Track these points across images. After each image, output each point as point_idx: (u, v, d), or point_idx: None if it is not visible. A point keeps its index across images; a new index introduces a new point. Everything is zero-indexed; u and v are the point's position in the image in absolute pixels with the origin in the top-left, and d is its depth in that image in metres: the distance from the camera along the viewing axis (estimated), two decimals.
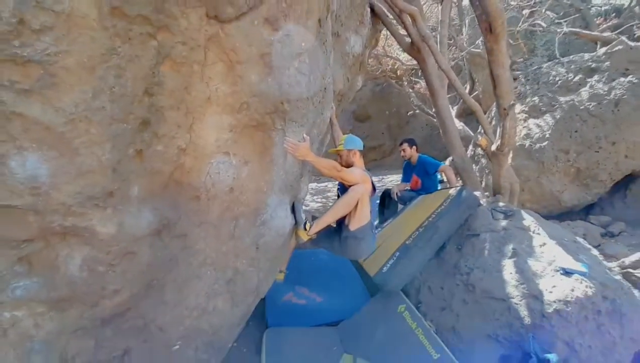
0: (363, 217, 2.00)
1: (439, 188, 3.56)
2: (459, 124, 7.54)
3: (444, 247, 2.46)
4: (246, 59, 1.43)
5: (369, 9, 3.37)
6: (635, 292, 1.86)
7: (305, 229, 1.88)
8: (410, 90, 7.88)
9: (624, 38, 4.42)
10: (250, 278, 1.85)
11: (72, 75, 1.09)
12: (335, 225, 2.25)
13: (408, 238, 2.54)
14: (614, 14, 5.77)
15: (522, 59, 5.95)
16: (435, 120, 7.95)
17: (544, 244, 2.02)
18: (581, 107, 4.37)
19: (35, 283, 1.39)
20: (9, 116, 1.05)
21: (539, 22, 5.39)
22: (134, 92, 1.25)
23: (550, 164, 4.49)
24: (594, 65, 4.50)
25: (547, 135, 4.50)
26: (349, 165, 2.29)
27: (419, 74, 7.28)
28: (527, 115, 4.81)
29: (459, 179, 3.47)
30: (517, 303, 1.80)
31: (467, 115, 7.51)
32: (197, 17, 1.26)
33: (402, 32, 3.87)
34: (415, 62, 7.05)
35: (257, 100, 1.55)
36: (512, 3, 5.29)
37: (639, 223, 4.17)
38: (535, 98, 4.79)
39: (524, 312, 1.76)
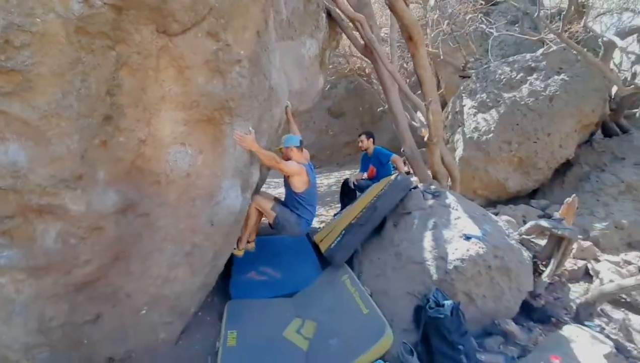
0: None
1: None
2: (425, 119, 8.00)
3: (384, 225, 2.83)
4: (193, 65, 1.73)
5: (324, 15, 3.69)
6: (525, 253, 2.28)
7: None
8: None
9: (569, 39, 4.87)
10: (206, 252, 2.17)
11: (45, 80, 1.38)
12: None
13: (353, 219, 2.90)
14: (557, 17, 6.29)
15: (473, 59, 6.41)
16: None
17: (459, 217, 2.41)
18: (522, 103, 4.84)
19: (16, 253, 1.66)
20: None
21: (489, 27, 5.84)
22: (97, 93, 1.54)
23: (495, 154, 4.95)
24: (533, 64, 4.98)
25: (492, 128, 4.97)
26: (288, 160, 2.65)
27: None
28: (476, 110, 5.27)
29: (408, 167, 3.85)
30: (429, 265, 2.18)
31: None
32: (149, 32, 1.56)
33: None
34: None
35: (205, 98, 1.86)
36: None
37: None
38: (484, 94, 5.25)
39: (433, 271, 2.14)
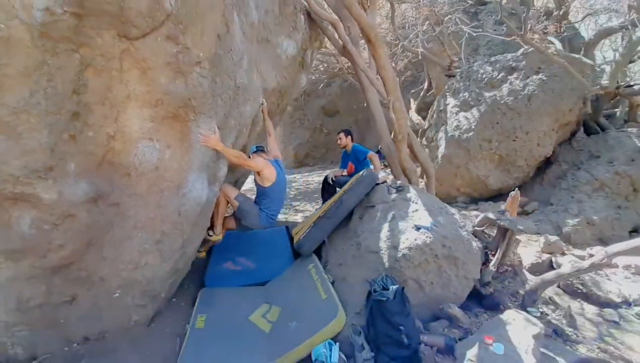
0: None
1: None
2: (416, 118, 8.13)
3: (352, 217, 2.98)
4: (155, 66, 1.88)
5: (302, 16, 3.83)
6: (474, 243, 2.41)
7: None
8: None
9: (553, 38, 4.97)
10: (175, 239, 2.32)
11: (13, 80, 1.53)
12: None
13: (322, 212, 3.05)
14: (544, 17, 6.38)
15: (457, 58, 6.50)
16: None
17: (416, 210, 2.55)
18: (502, 102, 4.96)
19: None
20: None
21: (469, 27, 5.92)
22: (63, 91, 1.70)
23: (476, 152, 5.08)
24: (514, 64, 5.09)
25: (473, 127, 5.09)
26: None
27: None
28: (458, 109, 5.39)
29: (383, 163, 3.99)
30: (383, 253, 2.33)
31: (423, 110, 8.07)
32: (110, 36, 1.71)
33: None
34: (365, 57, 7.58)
35: (169, 97, 2.01)
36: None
37: (548, 203, 4.80)
38: (466, 93, 5.37)
39: (385, 259, 2.28)
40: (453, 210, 2.71)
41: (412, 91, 9.81)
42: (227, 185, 2.93)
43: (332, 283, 2.58)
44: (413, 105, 9.02)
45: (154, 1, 1.69)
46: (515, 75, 5.03)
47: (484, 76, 5.28)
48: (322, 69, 9.65)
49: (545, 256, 3.42)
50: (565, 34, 5.20)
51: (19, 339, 2.09)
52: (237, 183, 4.36)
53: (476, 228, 2.52)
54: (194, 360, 2.06)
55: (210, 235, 3.02)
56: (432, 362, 1.94)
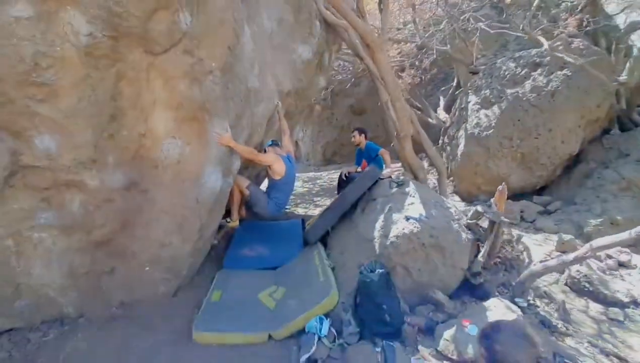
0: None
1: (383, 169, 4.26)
2: (444, 116, 8.07)
3: (356, 210, 3.19)
4: (175, 76, 2.25)
5: (318, 22, 4.08)
6: (464, 234, 2.51)
7: None
8: (404, 84, 8.38)
9: (564, 34, 4.83)
10: (194, 223, 2.69)
11: (65, 90, 1.95)
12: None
13: (330, 204, 3.30)
14: (578, 9, 6.09)
15: (480, 56, 6.37)
16: (419, 112, 8.51)
17: (412, 203, 2.70)
18: (524, 98, 4.86)
19: (52, 215, 2.29)
20: (32, 114, 1.93)
21: (486, 23, 5.78)
22: (103, 99, 2.11)
23: (495, 150, 5.02)
24: (538, 60, 4.96)
25: (493, 124, 5.03)
26: None
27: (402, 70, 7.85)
28: (479, 106, 5.35)
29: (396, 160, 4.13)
30: (376, 241, 2.52)
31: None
32: (139, 53, 2.09)
33: None
34: (396, 57, 7.66)
35: (187, 101, 2.37)
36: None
37: (572, 202, 4.65)
38: (487, 90, 5.30)
39: (377, 247, 2.47)
40: (450, 204, 2.83)
41: (442, 89, 9.68)
42: (240, 177, 3.27)
43: (333, 269, 2.83)
44: (442, 103, 8.93)
45: (172, 22, 2.04)
46: (539, 71, 4.90)
47: (506, 73, 5.19)
48: (350, 69, 9.85)
49: (556, 254, 3.39)
50: (597, 26, 4.96)
51: (71, 300, 2.56)
52: (259, 177, 4.72)
53: (469, 221, 2.62)
54: (205, 326, 2.40)
55: (228, 222, 3.39)
56: (414, 339, 2.12)
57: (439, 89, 9.63)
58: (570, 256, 2.26)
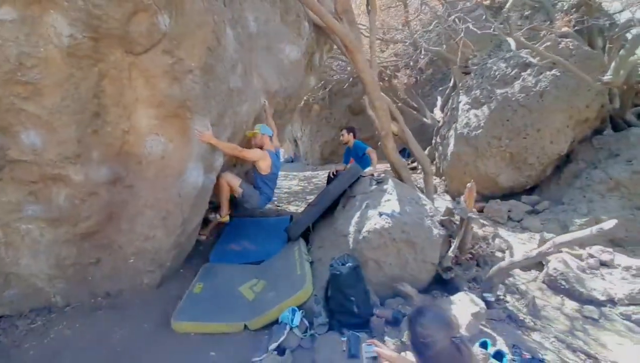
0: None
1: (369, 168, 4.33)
2: (440, 115, 8.10)
3: (337, 206, 3.27)
4: (156, 75, 2.34)
5: (307, 23, 4.16)
6: (435, 230, 2.56)
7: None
8: (399, 84, 8.44)
9: (553, 34, 4.85)
10: (177, 217, 2.79)
11: (49, 88, 2.06)
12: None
13: (312, 201, 3.38)
14: (573, 9, 6.09)
15: (472, 56, 6.39)
16: (414, 112, 8.54)
17: (388, 200, 2.77)
18: (513, 99, 4.89)
19: (39, 207, 2.40)
20: (18, 111, 2.04)
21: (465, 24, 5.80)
22: (86, 96, 2.21)
23: (484, 150, 5.05)
24: (528, 60, 4.98)
25: (482, 124, 5.07)
26: (261, 146, 3.22)
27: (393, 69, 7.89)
28: (469, 106, 5.38)
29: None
30: (350, 237, 2.59)
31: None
32: (120, 53, 2.19)
33: None
34: (391, 58, 7.70)
35: (168, 99, 2.47)
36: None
37: (560, 202, 4.67)
38: (478, 91, 5.34)
39: (351, 241, 2.55)
40: (426, 201, 2.89)
41: (440, 89, 9.70)
42: (230, 175, 3.36)
43: (311, 263, 2.91)
44: (439, 102, 8.96)
45: (151, 24, 2.13)
46: (529, 71, 4.92)
47: (497, 73, 5.22)
48: (348, 69, 9.90)
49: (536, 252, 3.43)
50: (590, 25, 4.97)
51: (58, 290, 2.67)
52: (249, 174, 4.82)
53: (442, 218, 2.68)
54: (184, 316, 2.50)
55: (219, 217, 3.50)
56: (381, 330, 2.20)
57: (437, 88, 9.67)
58: (534, 252, 2.31)
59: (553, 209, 4.64)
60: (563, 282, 2.99)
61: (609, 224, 1.91)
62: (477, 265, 2.75)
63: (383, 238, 2.44)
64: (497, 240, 3.77)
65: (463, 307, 2.13)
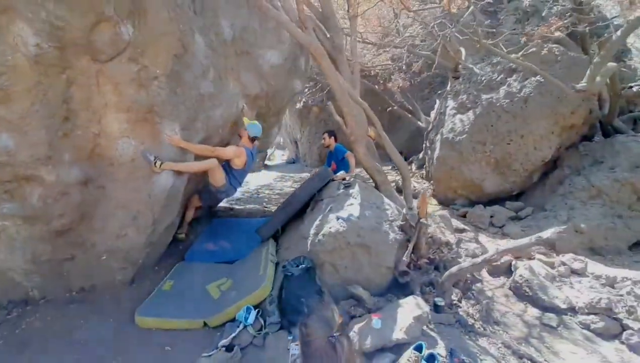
0: (218, 180, 3.04)
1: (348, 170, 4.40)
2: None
3: (307, 209, 3.35)
4: (122, 81, 2.47)
5: None
6: (392, 235, 2.61)
7: (155, 166, 2.80)
8: (394, 88, 8.47)
9: (537, 41, 4.82)
10: (148, 217, 2.91)
11: (18, 94, 2.20)
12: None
13: (281, 203, 3.46)
14: (568, 14, 6.03)
15: (461, 61, 6.37)
16: (409, 115, 8.55)
17: (351, 204, 2.84)
18: (497, 104, 4.88)
19: (14, 205, 2.54)
20: None
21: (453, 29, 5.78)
22: (55, 102, 2.34)
23: (468, 155, 5.05)
24: (514, 65, 4.96)
25: (467, 129, 5.07)
26: (240, 136, 3.49)
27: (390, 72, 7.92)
28: (455, 111, 5.39)
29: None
30: (309, 239, 2.67)
31: None
32: (86, 60, 2.32)
33: None
34: (387, 61, 7.74)
35: (136, 105, 2.59)
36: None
37: (542, 208, 4.64)
38: (464, 96, 5.34)
39: (310, 244, 2.62)
40: (390, 206, 2.94)
41: (439, 92, 9.68)
42: (218, 168, 3.40)
43: (277, 264, 2.99)
44: (437, 106, 8.94)
45: (114, 34, 2.26)
46: (514, 77, 4.91)
47: (483, 78, 5.22)
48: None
49: (506, 259, 3.45)
50: (582, 30, 4.93)
51: (35, 284, 2.82)
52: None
53: (401, 223, 2.73)
54: (147, 312, 2.62)
55: (179, 234, 3.69)
56: None
57: (437, 92, 9.64)
58: (479, 259, 2.34)
59: (535, 216, 4.62)
60: (527, 289, 3.00)
61: (547, 233, 1.94)
62: (437, 269, 2.78)
63: (338, 242, 2.51)
64: (473, 246, 3.79)
65: (407, 310, 2.18)
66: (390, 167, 8.53)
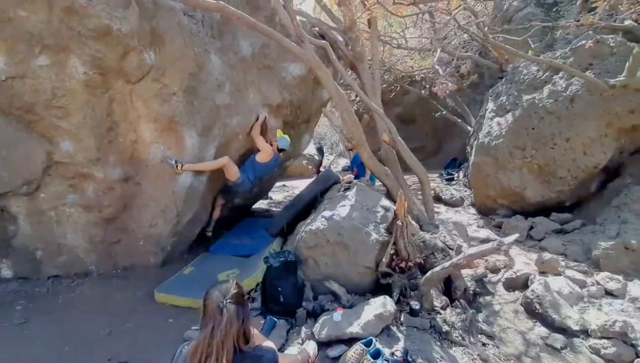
0: (233, 174, 3.43)
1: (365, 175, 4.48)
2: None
3: (313, 208, 3.55)
4: (149, 97, 3.02)
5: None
6: (374, 236, 2.62)
7: (177, 168, 3.29)
8: (443, 92, 8.18)
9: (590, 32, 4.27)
10: (172, 210, 3.44)
11: (74, 110, 2.87)
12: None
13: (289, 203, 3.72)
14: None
15: (504, 61, 5.82)
16: (459, 120, 8.12)
17: (344, 205, 2.95)
18: (540, 105, 4.44)
19: (76, 196, 3.26)
20: (56, 127, 2.90)
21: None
22: (101, 115, 2.99)
23: (505, 160, 4.66)
24: (561, 61, 4.47)
25: (504, 133, 4.70)
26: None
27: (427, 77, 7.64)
28: (494, 114, 5.02)
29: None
30: (298, 236, 2.86)
31: None
32: (121, 82, 2.92)
33: None
34: (426, 65, 7.53)
35: (161, 116, 3.13)
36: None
37: (593, 221, 4.07)
38: (504, 97, 4.96)
39: (298, 239, 2.81)
40: (382, 209, 2.96)
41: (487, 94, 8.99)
42: (231, 163, 3.80)
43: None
44: None
45: (140, 60, 2.81)
46: (561, 74, 4.41)
47: (526, 77, 4.78)
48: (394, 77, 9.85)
49: (522, 273, 3.18)
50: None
51: (92, 260, 3.54)
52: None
53: (388, 226, 2.74)
54: (164, 289, 3.10)
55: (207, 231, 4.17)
56: (302, 320, 2.44)
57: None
58: (447, 263, 2.24)
59: (583, 229, 4.08)
60: (537, 306, 2.74)
61: (510, 239, 1.83)
62: (423, 273, 2.71)
63: (318, 239, 2.66)
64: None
65: (373, 307, 2.23)
66: (437, 175, 8.18)
